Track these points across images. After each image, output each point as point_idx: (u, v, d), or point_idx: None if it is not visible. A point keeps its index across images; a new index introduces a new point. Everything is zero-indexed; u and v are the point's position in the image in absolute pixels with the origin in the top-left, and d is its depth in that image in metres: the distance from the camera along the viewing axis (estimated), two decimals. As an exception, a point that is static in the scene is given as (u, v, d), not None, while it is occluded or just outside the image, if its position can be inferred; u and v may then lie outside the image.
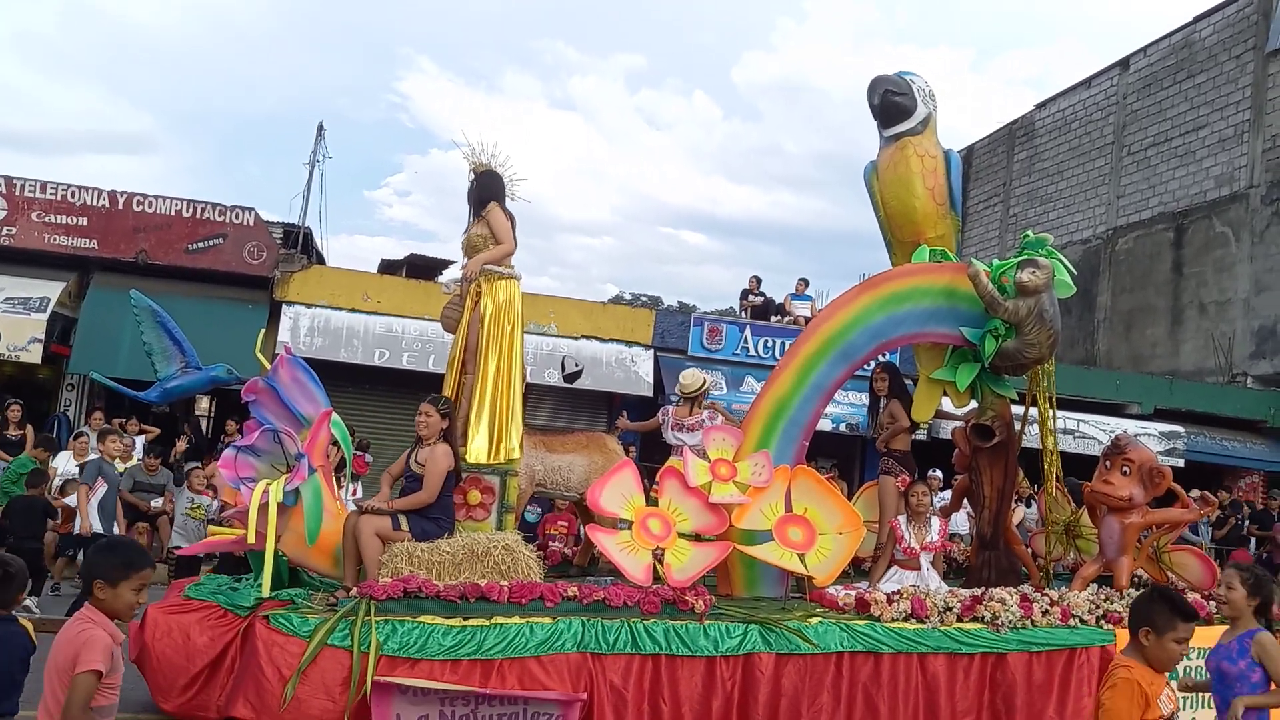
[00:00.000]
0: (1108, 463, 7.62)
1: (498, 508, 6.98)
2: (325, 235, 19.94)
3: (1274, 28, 21.63)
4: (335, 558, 6.58)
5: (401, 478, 6.75)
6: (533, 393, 16.90)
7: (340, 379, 15.64)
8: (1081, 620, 6.95)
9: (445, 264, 20.22)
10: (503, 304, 7.16)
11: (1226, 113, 22.55)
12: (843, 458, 18.97)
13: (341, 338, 16.05)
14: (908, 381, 8.98)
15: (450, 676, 5.64)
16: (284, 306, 15.99)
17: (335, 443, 7.31)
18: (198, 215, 15.68)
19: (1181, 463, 18.54)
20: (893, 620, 6.62)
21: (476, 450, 6.93)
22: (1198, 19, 23.80)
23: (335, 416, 6.95)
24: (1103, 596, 7.20)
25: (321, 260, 18.93)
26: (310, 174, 18.44)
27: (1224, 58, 22.85)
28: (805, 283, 20.33)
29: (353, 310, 16.33)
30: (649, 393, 17.21)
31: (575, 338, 17.31)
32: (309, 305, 16.14)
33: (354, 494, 10.35)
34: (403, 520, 6.45)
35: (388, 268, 21.12)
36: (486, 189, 7.41)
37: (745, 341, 18.15)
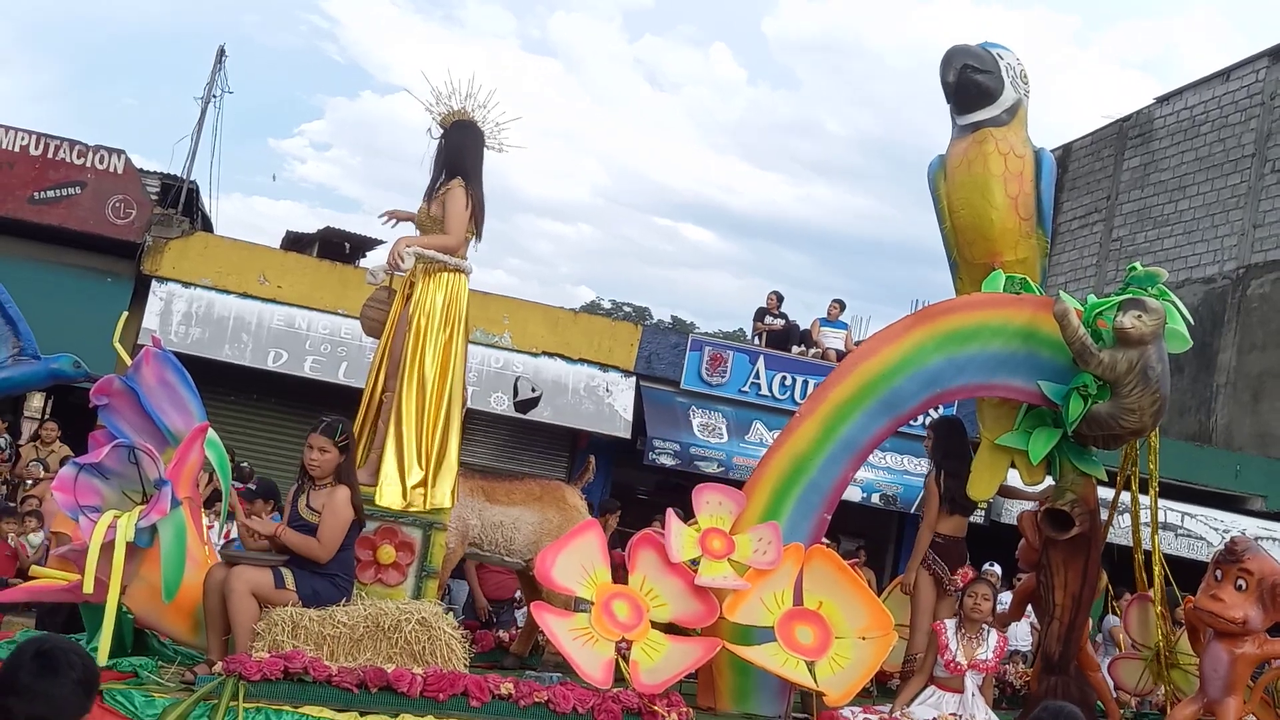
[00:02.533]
0: (1219, 573, 7.66)
1: (416, 570, 6.97)
2: (215, 194, 19.90)
3: None
4: (196, 620, 6.53)
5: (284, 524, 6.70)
6: (473, 421, 16.91)
7: (221, 384, 15.63)
8: (1170, 776, 6.98)
9: (372, 243, 20.25)
10: (442, 303, 7.18)
11: (1402, 127, 22.85)
12: (874, 538, 19.03)
13: (227, 330, 16.03)
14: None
15: (337, 789, 5.62)
16: (154, 283, 15.95)
17: (209, 468, 7.29)
18: (49, 154, 15.65)
19: (1314, 579, 18.63)
20: (923, 757, 6.64)
21: (393, 493, 6.92)
22: (1374, 3, 24.15)
23: (212, 434, 6.93)
24: (1200, 747, 7.23)
25: (208, 226, 18.90)
26: (202, 112, 18.46)
27: (1404, 56, 23.18)
28: (841, 305, 20.43)
29: (244, 295, 16.32)
30: (625, 433, 17.27)
31: (534, 354, 17.36)
32: (187, 284, 16.11)
33: (225, 536, 10.31)
34: (288, 576, 6.43)
35: (294, 243, 21.12)
36: (455, 152, 7.43)
37: (757, 376, 18.23)
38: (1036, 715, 4.43)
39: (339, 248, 20.16)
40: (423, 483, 6.99)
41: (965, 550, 8.71)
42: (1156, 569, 8.52)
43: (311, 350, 16.23)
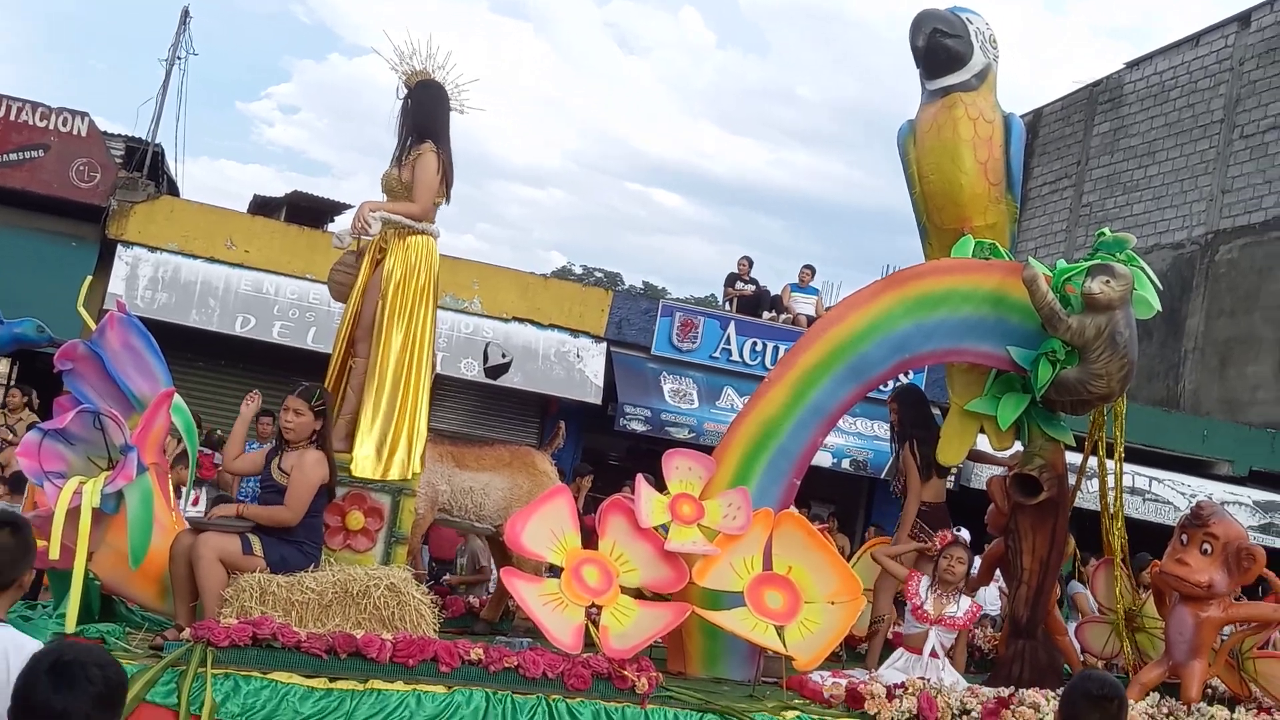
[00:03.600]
0: (1184, 537, 7.74)
1: (385, 536, 6.96)
2: (181, 157, 19.72)
3: None
4: (164, 587, 6.52)
5: (244, 483, 6.72)
6: (443, 387, 16.88)
7: (188, 350, 15.54)
8: (1135, 739, 7.05)
9: (340, 208, 20.14)
10: (414, 267, 7.14)
11: (1371, 93, 22.96)
12: (845, 503, 19.13)
13: (194, 295, 15.91)
14: (936, 412, 9.07)
15: (307, 755, 5.62)
16: (120, 247, 15.81)
17: (176, 434, 7.25)
18: (11, 116, 15.46)
19: (1280, 543, 18.87)
20: (891, 721, 6.68)
21: (363, 459, 6.91)
22: (1345, -34, 24.23)
23: (178, 400, 6.91)
24: (1165, 710, 7.30)
25: (175, 190, 18.76)
26: (167, 75, 18.28)
27: (1373, 22, 23.27)
28: (811, 271, 20.45)
29: (212, 260, 16.19)
30: (597, 399, 17.27)
31: (505, 319, 17.30)
32: (153, 249, 15.97)
33: (195, 503, 10.28)
34: (255, 543, 6.42)
35: (262, 207, 21.00)
36: (424, 114, 7.36)
37: (727, 342, 18.23)
38: (1075, 683, 4.41)
39: (308, 213, 20.01)
40: (392, 449, 6.97)
41: (947, 513, 8.77)
42: (1119, 534, 8.58)
43: (280, 315, 16.14)
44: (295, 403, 6.61)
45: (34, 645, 4.26)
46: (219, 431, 14.07)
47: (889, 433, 9.11)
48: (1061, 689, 4.80)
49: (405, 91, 7.40)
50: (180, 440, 7.46)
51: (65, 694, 3.00)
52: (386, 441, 6.96)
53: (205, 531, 6.40)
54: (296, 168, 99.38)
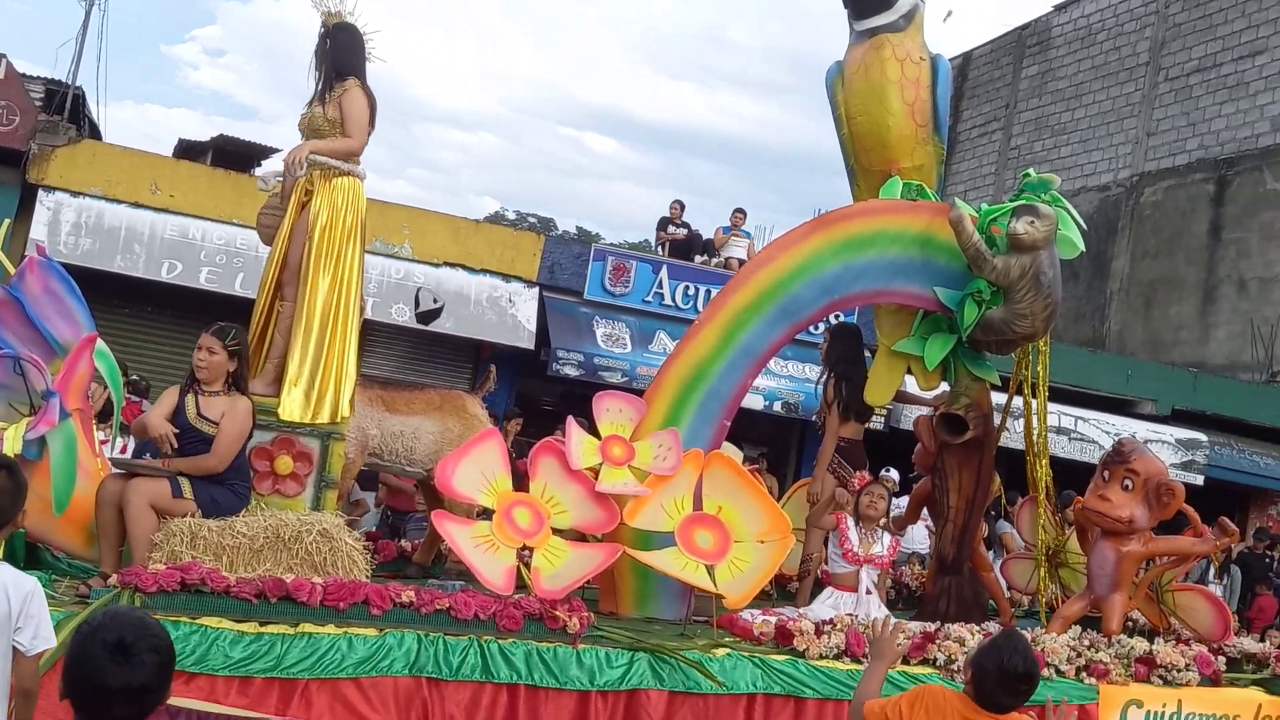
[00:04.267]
0: (1106, 473, 7.87)
1: (315, 481, 6.93)
2: (103, 101, 19.44)
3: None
4: (90, 533, 6.46)
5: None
6: (374, 333, 16.82)
7: (113, 295, 15.35)
8: (1058, 671, 7.20)
9: (268, 151, 19.90)
10: (341, 209, 7.06)
11: (1293, 37, 23.23)
12: (776, 446, 19.28)
13: (118, 240, 15.70)
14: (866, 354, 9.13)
15: (238, 699, 5.60)
16: (41, 192, 15.55)
17: (100, 380, 7.16)
18: (-76, 58, 15.13)
19: (1201, 480, 19.25)
20: (820, 657, 6.77)
21: (291, 403, 6.85)
22: (1267, -88, 24.42)
23: (101, 345, 6.81)
24: (1086, 643, 7.46)
25: (97, 134, 18.45)
26: (86, 16, 17.93)
27: (1295, -35, 23.52)
28: (743, 214, 20.45)
29: (136, 205, 15.97)
30: (529, 344, 17.25)
31: (436, 264, 17.21)
32: (75, 193, 15.72)
33: (122, 450, 10.18)
34: (186, 486, 6.36)
35: (187, 150, 20.71)
36: (344, 54, 7.26)
37: (660, 286, 18.25)
38: (996, 641, 4.63)
39: (235, 156, 19.75)
40: (320, 392, 6.90)
41: (864, 453, 8.85)
42: (1043, 471, 8.70)
43: (207, 261, 15.95)
44: (209, 341, 6.53)
45: (30, 582, 4.31)
46: (145, 380, 13.96)
47: (821, 370, 9.15)
48: (982, 641, 4.91)
49: (323, 32, 7.32)
50: (105, 386, 7.35)
51: (126, 669, 2.97)
52: (315, 385, 6.90)
53: (135, 477, 6.34)
54: (223, 111, 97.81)
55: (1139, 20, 26.75)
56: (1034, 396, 8.60)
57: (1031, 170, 8.35)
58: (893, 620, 5.15)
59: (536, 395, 18.80)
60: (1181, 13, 25.75)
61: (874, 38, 8.18)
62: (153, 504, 6.25)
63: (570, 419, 7.34)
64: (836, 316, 15.49)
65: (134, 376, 13.00)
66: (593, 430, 7.26)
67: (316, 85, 7.31)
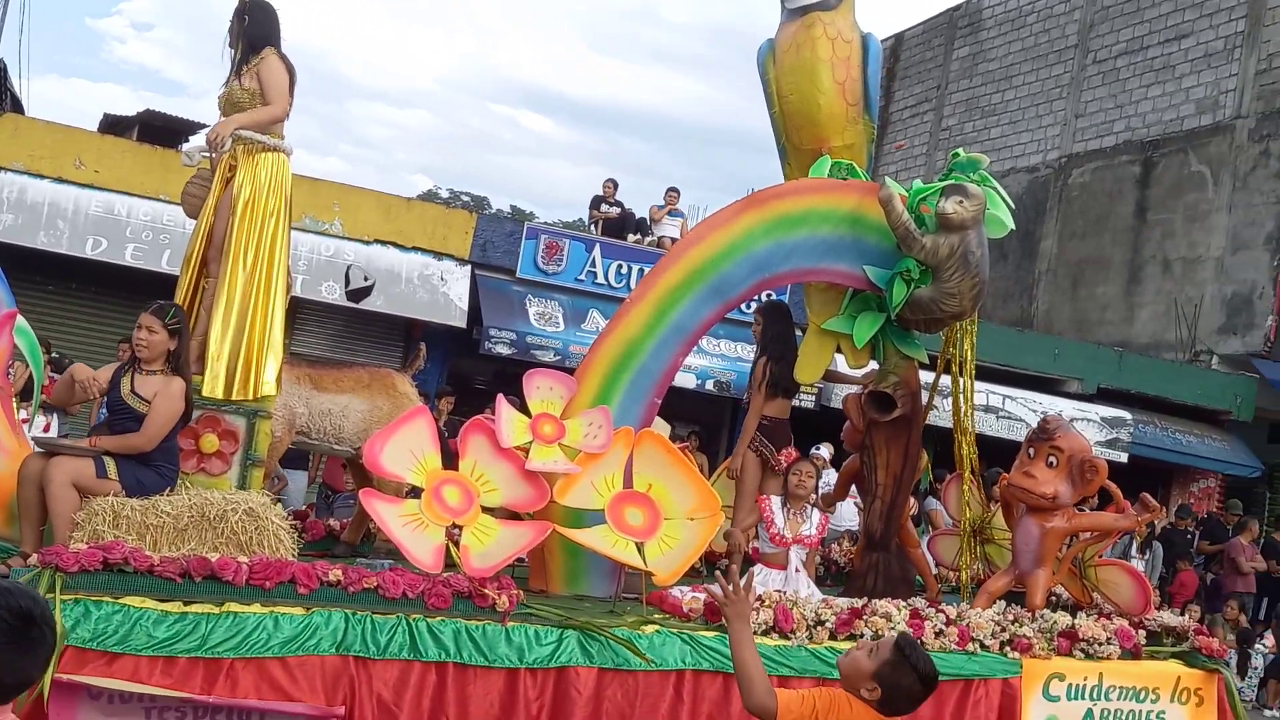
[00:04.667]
0: (1031, 450, 7.94)
1: (241, 459, 6.86)
2: (27, 74, 19.11)
3: (1282, -82, 22.63)
4: (11, 512, 6.40)
5: (102, 408, 6.59)
6: (305, 311, 16.70)
7: (35, 272, 15.14)
8: (982, 645, 7.27)
9: (195, 127, 19.67)
10: (265, 185, 6.99)
11: (1217, 20, 23.58)
12: (708, 424, 19.33)
13: (41, 216, 15.47)
14: (797, 333, 9.17)
15: (162, 679, 5.52)
16: (-38, 167, 15.28)
17: (21, 358, 7.05)
18: None
19: (1125, 457, 19.55)
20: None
21: (213, 380, 6.78)
22: (1193, -103, 24.72)
23: (22, 322, 6.71)
24: (1010, 618, 7.53)
25: (19, 108, 18.19)
26: (10, -14, 17.58)
27: (1220, -50, 23.83)
28: (676, 194, 20.49)
29: (59, 180, 15.78)
30: (461, 322, 17.19)
31: (366, 242, 17.11)
32: (-2, 168, 15.47)
33: (45, 429, 10.03)
34: (110, 465, 6.31)
35: (113, 125, 20.43)
36: (260, 26, 7.23)
37: (593, 264, 18.25)
38: (899, 654, 4.58)
39: (162, 132, 19.50)
40: (244, 370, 6.84)
41: (790, 431, 8.88)
42: (968, 448, 8.77)
43: (133, 237, 15.76)
44: (149, 320, 6.49)
45: None
46: (68, 358, 13.75)
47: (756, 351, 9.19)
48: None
49: (236, 11, 7.28)
50: (26, 364, 7.24)
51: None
52: (239, 362, 6.84)
53: (57, 455, 6.26)
54: (151, 86, 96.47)
55: (1068, 3, 27.01)
56: (961, 375, 8.66)
57: (961, 150, 8.40)
58: (742, 579, 4.93)
59: (469, 374, 18.75)
60: (1110, -5, 26.03)
61: (805, 16, 8.17)
62: (75, 483, 6.19)
63: (500, 397, 7.31)
64: (768, 295, 15.60)
65: (54, 354, 12.80)
66: (523, 408, 7.24)
67: (233, 61, 7.26)
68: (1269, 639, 15.99)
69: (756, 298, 10.33)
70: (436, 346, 17.86)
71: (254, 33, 7.21)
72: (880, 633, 6.98)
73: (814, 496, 8.24)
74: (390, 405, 7.93)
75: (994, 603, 7.77)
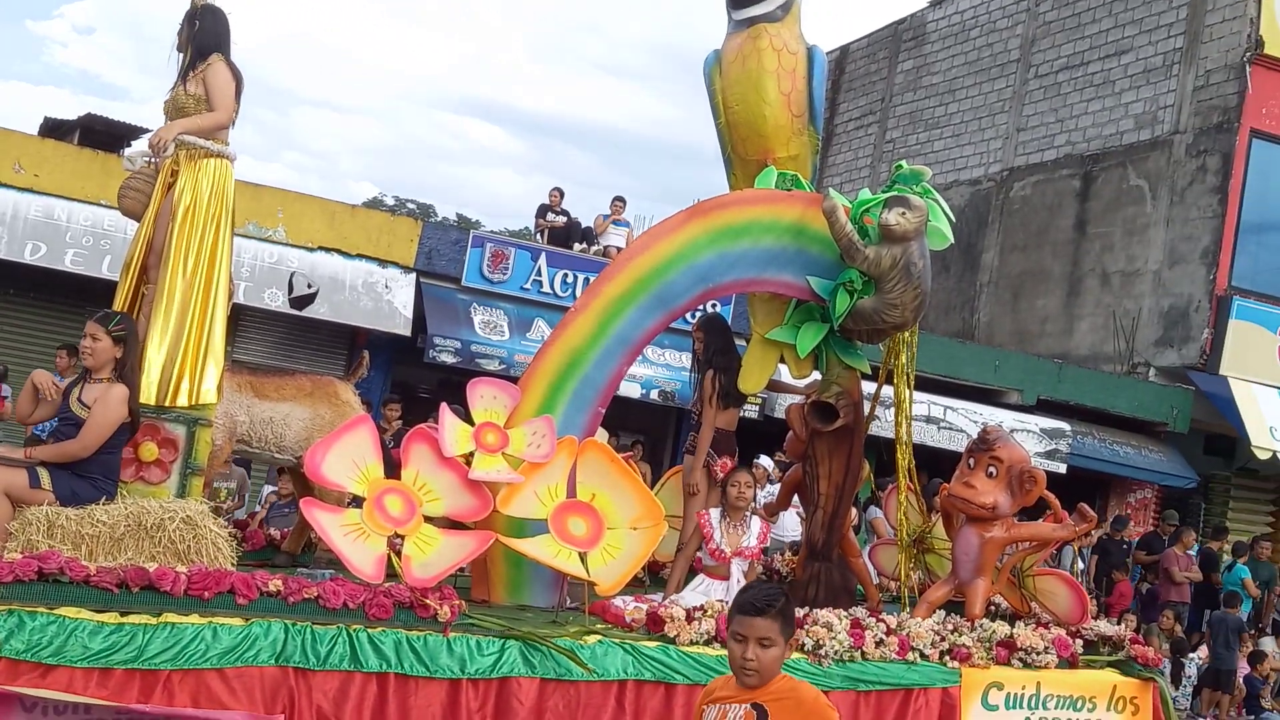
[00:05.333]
0: (971, 461, 8.00)
1: (180, 467, 6.78)
2: (-36, 77, 18.85)
3: (1220, -63, 22.97)
4: (-57, 522, 6.26)
5: (54, 419, 6.50)
6: (247, 318, 16.56)
7: (-27, 278, 14.91)
8: (922, 655, 7.32)
9: (137, 131, 19.48)
10: (207, 191, 6.93)
11: (1156, 37, 23.86)
12: (653, 433, 19.35)
13: (-21, 221, 15.22)
14: (740, 343, 9.20)
15: (98, 690, 5.47)
16: (-102, 171, 15.05)
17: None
18: None
19: (1064, 468, 19.74)
20: (691, 643, 6.80)
21: (150, 387, 6.69)
22: (1132, -87, 25.02)
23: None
24: (950, 627, 7.59)
25: (-43, 110, 17.87)
26: (-52, -11, 17.34)
27: (1159, -33, 24.13)
28: (622, 203, 20.52)
29: (-1, 184, 15.50)
30: (405, 330, 17.11)
31: (310, 249, 16.99)
32: (-65, 172, 15.24)
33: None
34: (44, 476, 6.23)
35: (54, 129, 20.19)
36: (209, 33, 7.16)
37: (539, 273, 18.21)
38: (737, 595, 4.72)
39: (103, 136, 19.28)
40: (180, 376, 6.76)
41: (735, 442, 8.90)
42: (904, 458, 8.82)
43: (73, 243, 15.55)
44: (93, 328, 6.44)
45: None
46: (4, 365, 13.57)
47: (691, 361, 9.20)
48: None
49: (186, 16, 7.22)
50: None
51: None
52: (178, 369, 6.76)
53: (-10, 465, 6.18)
54: (92, 91, 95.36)
55: (1011, 18, 27.27)
56: (902, 385, 8.71)
57: (904, 162, 8.46)
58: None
59: (414, 382, 18.67)
60: (1051, 11, 26.30)
61: (752, 27, 8.20)
62: (7, 492, 6.12)
63: (444, 406, 7.28)
64: (713, 306, 15.63)
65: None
66: (468, 417, 7.22)
67: (180, 67, 7.20)
68: (1203, 649, 16.18)
69: (698, 309, 10.34)
70: (381, 354, 17.76)
71: (203, 39, 7.14)
72: (820, 642, 7.01)
73: (753, 506, 8.25)
74: (333, 414, 7.87)
75: (934, 612, 7.82)
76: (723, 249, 7.79)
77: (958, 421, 19.50)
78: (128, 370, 6.48)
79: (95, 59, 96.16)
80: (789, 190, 8.13)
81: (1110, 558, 17.59)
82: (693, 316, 11.09)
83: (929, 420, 18.87)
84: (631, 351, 7.81)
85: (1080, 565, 16.84)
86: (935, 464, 16.54)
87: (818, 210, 7.72)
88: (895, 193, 7.82)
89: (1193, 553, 18.02)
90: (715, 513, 8.02)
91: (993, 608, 8.37)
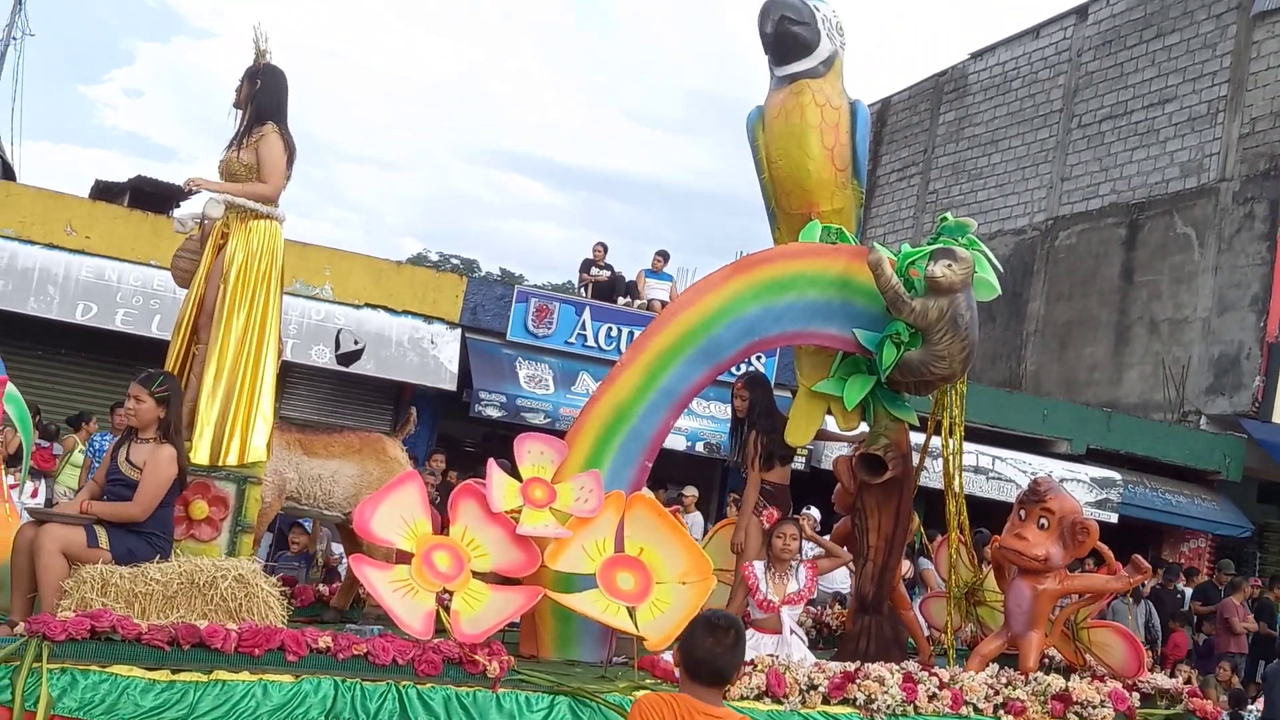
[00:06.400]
0: (1022, 512, 7.94)
1: (231, 525, 6.84)
2: (19, 141, 19.21)
3: (1261, -16, 22.94)
4: (1, 580, 6.37)
5: (90, 471, 6.58)
6: (295, 375, 16.68)
7: (25, 338, 15.14)
8: (976, 709, 7.22)
9: (186, 193, 19.71)
10: (257, 251, 7.02)
11: (1200, 85, 23.82)
12: (699, 485, 19.28)
13: (32, 282, 15.46)
14: (785, 395, 9.17)
15: (149, 749, 5.49)
16: (-47, 234, 15.30)
17: (10, 424, 7.03)
18: None
19: (1115, 517, 19.51)
20: (741, 698, 6.74)
21: (204, 447, 6.76)
22: (1175, -36, 25.04)
23: (12, 389, 6.71)
24: (1003, 680, 7.49)
25: (11, 175, 18.27)
26: (2, 57, 17.70)
27: (1202, 15, 24.13)
28: (665, 257, 20.55)
29: (50, 246, 15.78)
30: (452, 385, 17.18)
31: (357, 306, 17.13)
32: (-10, 234, 15.49)
33: (34, 495, 9.98)
34: (101, 535, 6.28)
35: (104, 192, 20.49)
36: (269, 94, 7.28)
37: (583, 327, 18.26)
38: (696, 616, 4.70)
39: (152, 198, 19.57)
40: (232, 435, 6.84)
41: (790, 496, 8.87)
42: (953, 509, 8.74)
43: (123, 303, 15.76)
44: (136, 389, 6.50)
45: None
46: (55, 425, 13.72)
47: (731, 417, 9.17)
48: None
49: (247, 73, 7.31)
50: (15, 430, 7.22)
51: None
52: (227, 428, 6.83)
53: (47, 523, 6.24)
54: (141, 152, 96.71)
55: (1053, 68, 27.29)
56: (951, 437, 8.66)
57: (949, 214, 8.45)
58: None
59: (459, 437, 18.73)
60: (1093, 61, 26.30)
61: (794, 83, 8.24)
62: (65, 551, 6.16)
63: (491, 461, 7.29)
64: (759, 358, 15.60)
65: (48, 424, 12.80)
66: (514, 472, 7.22)
67: (238, 127, 7.29)
68: (1261, 700, 15.88)
69: (745, 362, 10.33)
70: (426, 409, 17.82)
71: (263, 101, 7.25)
72: (873, 696, 6.94)
73: (799, 558, 8.19)
74: (381, 470, 7.91)
75: (987, 665, 7.72)
76: (768, 302, 7.79)
77: (1006, 472, 19.36)
78: (172, 429, 6.54)
79: (144, 121, 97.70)
80: (834, 243, 8.13)
81: (1165, 608, 17.35)
82: (737, 370, 11.09)
83: (977, 470, 18.73)
84: (678, 405, 7.79)
85: (1143, 619, 16.51)
86: (984, 514, 16.38)
87: (863, 263, 7.72)
88: (941, 245, 7.81)
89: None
90: (760, 565, 7.98)
91: (1047, 661, 8.26)
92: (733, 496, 8.88)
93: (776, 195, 8.55)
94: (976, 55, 29.77)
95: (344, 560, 9.18)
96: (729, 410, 9.32)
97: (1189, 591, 18.51)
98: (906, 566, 12.34)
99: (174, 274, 7.40)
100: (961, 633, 8.95)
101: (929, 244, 7.97)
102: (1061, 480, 16.92)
